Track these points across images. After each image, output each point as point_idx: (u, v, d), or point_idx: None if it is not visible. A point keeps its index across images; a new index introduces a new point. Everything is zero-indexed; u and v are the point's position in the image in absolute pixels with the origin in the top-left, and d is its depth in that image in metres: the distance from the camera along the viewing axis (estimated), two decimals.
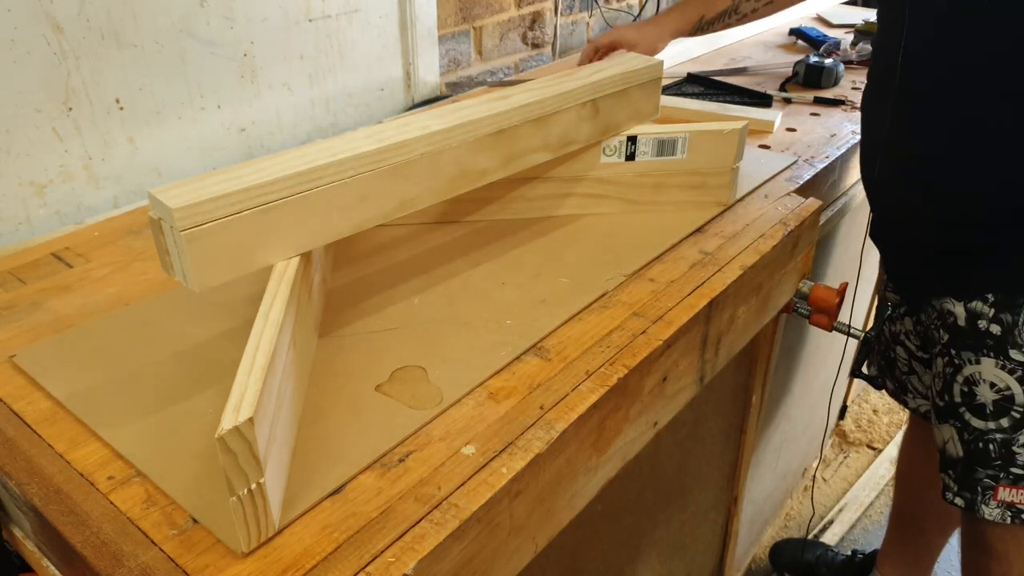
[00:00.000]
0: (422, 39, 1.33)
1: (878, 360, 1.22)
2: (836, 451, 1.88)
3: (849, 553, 1.52)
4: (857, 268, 1.17)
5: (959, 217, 0.92)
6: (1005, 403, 0.92)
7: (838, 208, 1.18)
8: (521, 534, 0.58)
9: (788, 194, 0.95)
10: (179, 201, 0.54)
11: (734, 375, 1.03)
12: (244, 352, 0.50)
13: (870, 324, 1.75)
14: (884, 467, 1.82)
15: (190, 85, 1.02)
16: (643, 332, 0.69)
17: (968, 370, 0.94)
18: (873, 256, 1.56)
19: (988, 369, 0.92)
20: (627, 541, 0.91)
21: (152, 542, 0.49)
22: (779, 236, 0.85)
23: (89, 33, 0.91)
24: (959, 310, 0.94)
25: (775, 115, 1.16)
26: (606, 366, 0.64)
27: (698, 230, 0.86)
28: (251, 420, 0.44)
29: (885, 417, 1.97)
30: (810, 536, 1.64)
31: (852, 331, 0.98)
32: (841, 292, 0.92)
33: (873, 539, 1.64)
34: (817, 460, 1.82)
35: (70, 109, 0.92)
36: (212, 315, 0.71)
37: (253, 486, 0.46)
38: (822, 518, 1.70)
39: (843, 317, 0.97)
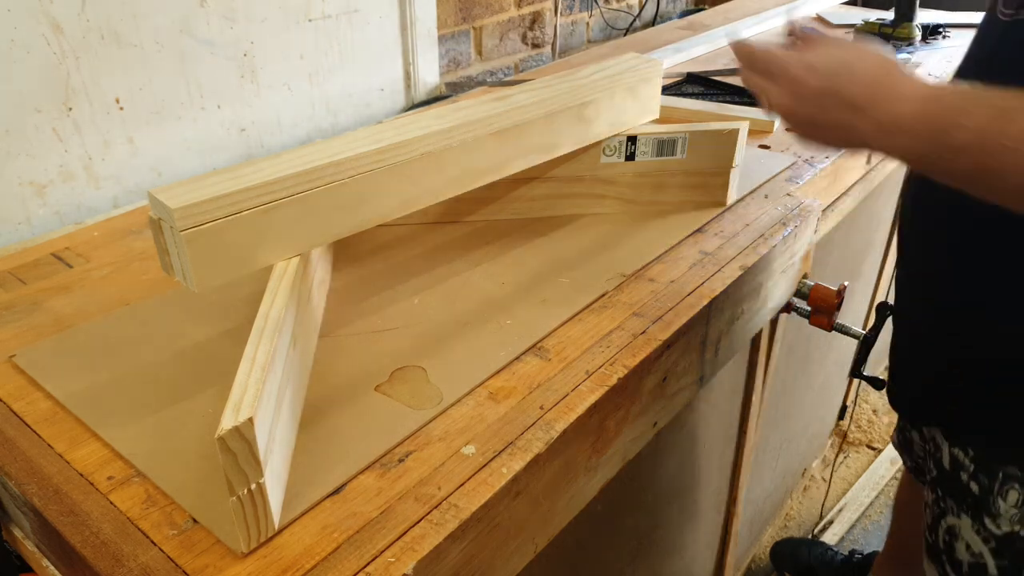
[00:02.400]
0: (422, 39, 1.33)
1: (896, 436, 1.11)
2: (836, 451, 1.88)
3: (847, 553, 1.52)
4: (857, 268, 1.17)
5: (965, 336, 0.77)
6: (978, 571, 0.81)
7: (838, 208, 1.18)
8: (521, 534, 0.58)
9: (788, 194, 0.95)
10: (179, 201, 0.54)
11: (734, 375, 1.03)
12: (244, 352, 0.50)
13: (870, 323, 1.74)
14: (884, 467, 1.82)
15: (190, 85, 1.02)
16: (643, 332, 0.69)
17: (950, 520, 0.84)
18: (873, 256, 1.56)
19: (966, 528, 0.82)
20: (627, 541, 0.91)
21: (152, 542, 0.49)
22: (779, 236, 0.85)
23: (89, 33, 0.91)
24: (945, 450, 0.82)
25: (775, 115, 1.16)
26: (606, 366, 0.64)
27: (698, 230, 0.86)
28: (251, 420, 0.44)
29: (885, 417, 1.97)
30: (810, 536, 1.64)
31: (852, 331, 0.98)
32: (841, 293, 0.92)
33: (873, 539, 1.64)
34: (817, 460, 1.82)
35: (70, 109, 0.92)
36: (212, 315, 0.71)
37: (253, 486, 0.46)
38: (822, 518, 1.70)
39: (843, 318, 0.97)
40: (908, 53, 1.43)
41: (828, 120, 0.62)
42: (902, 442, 1.11)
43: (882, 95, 0.59)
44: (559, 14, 1.69)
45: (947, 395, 0.81)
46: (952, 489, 0.82)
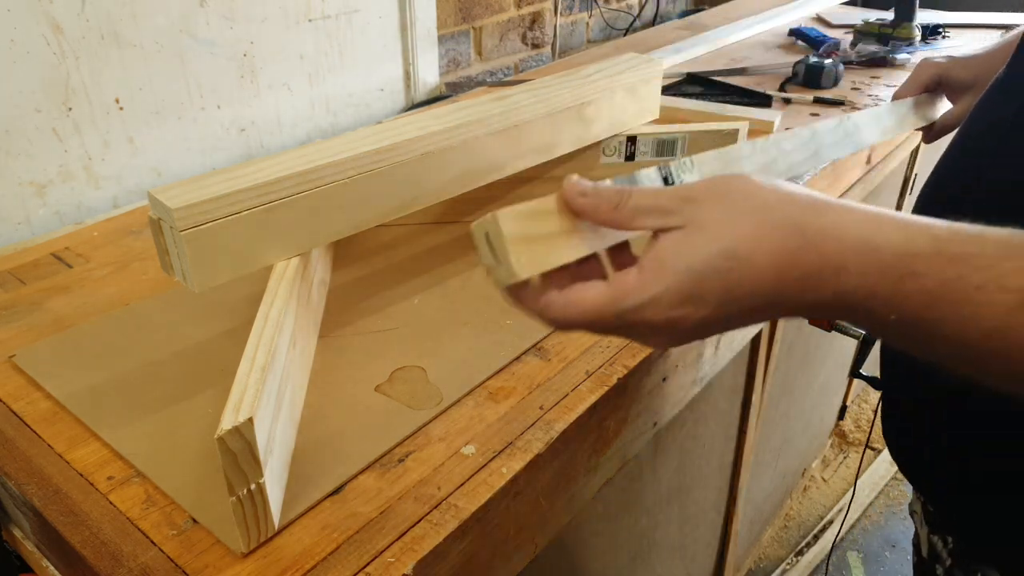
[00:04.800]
0: (422, 39, 1.33)
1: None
2: (836, 451, 1.88)
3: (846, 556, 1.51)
4: None
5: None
6: None
7: None
8: (521, 534, 0.58)
9: None
10: (179, 201, 0.54)
11: (734, 375, 1.03)
12: (244, 352, 0.50)
13: None
14: (884, 467, 1.82)
15: (190, 85, 1.02)
16: None
17: None
18: None
19: None
20: (627, 541, 0.91)
21: (152, 542, 0.49)
22: None
23: (89, 33, 0.91)
24: (923, 535, 0.70)
25: (775, 115, 1.16)
26: (606, 366, 0.64)
27: None
28: (251, 420, 0.44)
29: None
30: (810, 536, 1.64)
31: (852, 331, 0.98)
32: None
33: (872, 539, 1.64)
34: (817, 460, 1.82)
35: (70, 109, 0.92)
36: (212, 315, 0.71)
37: (253, 486, 0.46)
38: (822, 518, 1.70)
39: None
40: (908, 53, 1.44)
41: (736, 325, 0.44)
42: None
43: (808, 273, 0.39)
44: (559, 14, 1.70)
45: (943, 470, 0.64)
46: None
